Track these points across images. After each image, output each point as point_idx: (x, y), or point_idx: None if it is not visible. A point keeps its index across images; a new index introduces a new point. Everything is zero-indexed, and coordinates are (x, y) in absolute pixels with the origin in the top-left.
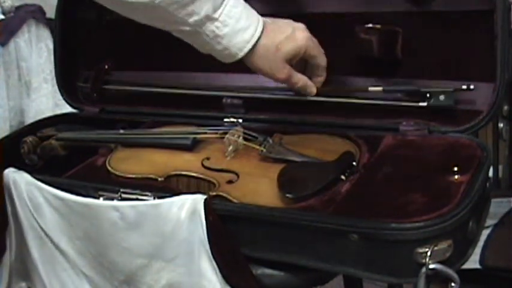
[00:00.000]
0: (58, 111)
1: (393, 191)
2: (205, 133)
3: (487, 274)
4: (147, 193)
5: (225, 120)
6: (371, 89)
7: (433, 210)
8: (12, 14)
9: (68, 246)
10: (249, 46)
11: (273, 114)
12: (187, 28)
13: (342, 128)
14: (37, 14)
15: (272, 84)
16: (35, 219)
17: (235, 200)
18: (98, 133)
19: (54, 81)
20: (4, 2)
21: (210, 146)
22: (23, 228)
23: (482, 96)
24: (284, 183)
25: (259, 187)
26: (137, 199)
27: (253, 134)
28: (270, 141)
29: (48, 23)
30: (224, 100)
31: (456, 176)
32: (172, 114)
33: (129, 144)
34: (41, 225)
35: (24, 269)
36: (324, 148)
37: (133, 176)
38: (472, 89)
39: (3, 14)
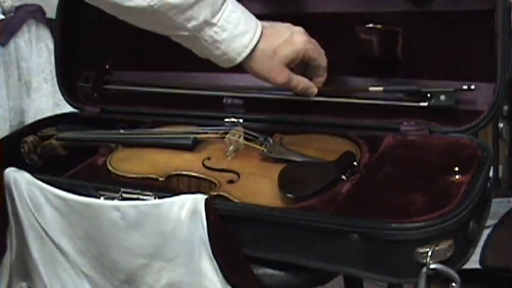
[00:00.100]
0: (58, 111)
1: (394, 191)
2: (206, 133)
3: (487, 274)
4: (147, 193)
5: (226, 120)
6: (371, 89)
7: (433, 210)
8: (12, 14)
9: (68, 245)
10: (248, 51)
11: (274, 114)
12: (186, 33)
13: (343, 128)
14: (37, 14)
15: None
16: (36, 218)
17: (236, 200)
18: (98, 133)
19: (54, 81)
20: (4, 2)
21: (210, 146)
22: (24, 227)
23: (483, 96)
24: (285, 183)
25: (260, 187)
26: (138, 199)
27: (254, 134)
28: (271, 141)
29: (48, 23)
30: (225, 100)
31: (457, 176)
32: (173, 114)
33: (130, 144)
34: (42, 224)
35: (24, 268)
36: (325, 148)
37: (134, 175)
38: (473, 89)
39: (3, 14)
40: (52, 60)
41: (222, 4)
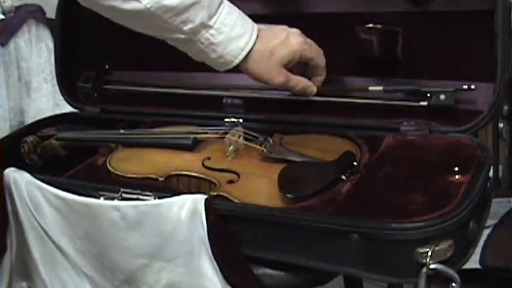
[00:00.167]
0: (58, 111)
1: (394, 191)
2: (206, 133)
3: (487, 274)
4: (147, 193)
5: (226, 120)
6: (371, 88)
7: (433, 210)
8: (12, 14)
9: (68, 245)
10: (244, 53)
11: (274, 114)
12: (182, 36)
13: (342, 128)
14: (37, 14)
15: None
16: (36, 218)
17: (235, 200)
18: (98, 133)
19: (54, 81)
20: (4, 2)
21: (210, 146)
22: (24, 227)
23: (483, 96)
24: (284, 183)
25: (259, 187)
26: (138, 199)
27: (254, 134)
28: (271, 141)
29: (48, 23)
30: (224, 100)
31: (457, 176)
32: (173, 114)
33: (130, 144)
34: (42, 224)
35: (24, 268)
36: (324, 148)
37: (134, 175)
38: (473, 89)
39: (3, 14)
40: (52, 60)
41: (219, 7)
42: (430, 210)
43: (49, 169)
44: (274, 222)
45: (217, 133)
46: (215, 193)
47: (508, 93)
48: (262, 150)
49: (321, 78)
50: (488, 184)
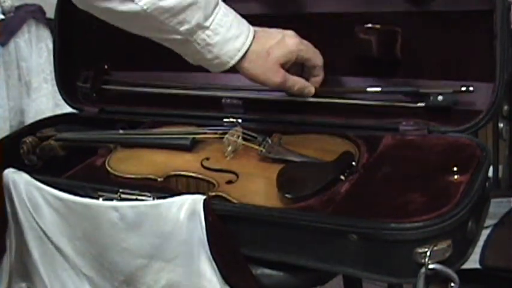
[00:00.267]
0: (58, 111)
1: (393, 191)
2: (205, 133)
3: (487, 274)
4: (146, 193)
5: (225, 120)
6: (370, 89)
7: (432, 210)
8: (12, 14)
9: (67, 246)
10: (240, 54)
11: (272, 115)
12: (178, 37)
13: (341, 128)
14: (37, 14)
15: None
16: (35, 219)
17: (234, 200)
18: (97, 133)
19: (54, 81)
20: (4, 2)
21: (209, 146)
22: (23, 228)
23: (482, 96)
24: (283, 183)
25: (258, 187)
26: (136, 199)
27: (253, 134)
28: (269, 141)
29: (48, 23)
30: (223, 100)
31: (456, 176)
32: (172, 115)
33: (129, 145)
34: (41, 225)
35: (24, 269)
36: (323, 148)
37: (133, 176)
38: (472, 89)
39: (3, 14)
40: (52, 60)
41: (215, 8)
42: (429, 210)
43: (48, 170)
44: (273, 223)
45: (216, 133)
46: (214, 193)
47: (508, 93)
48: (261, 151)
49: (318, 78)
50: (487, 184)
